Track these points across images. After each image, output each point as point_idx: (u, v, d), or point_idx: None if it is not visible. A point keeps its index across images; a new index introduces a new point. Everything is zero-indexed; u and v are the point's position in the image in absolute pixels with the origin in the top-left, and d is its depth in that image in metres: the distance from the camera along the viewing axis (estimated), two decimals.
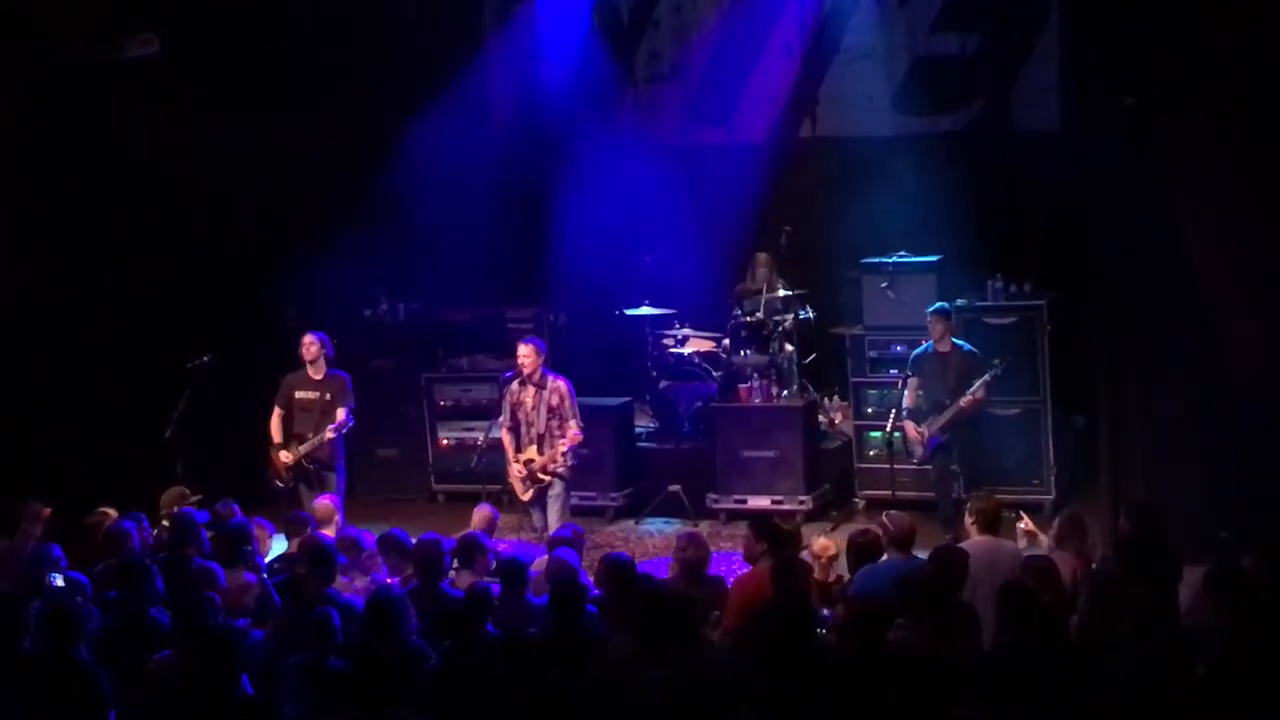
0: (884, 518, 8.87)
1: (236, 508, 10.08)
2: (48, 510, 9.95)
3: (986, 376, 11.20)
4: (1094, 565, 8.54)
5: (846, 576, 8.74)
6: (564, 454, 11.05)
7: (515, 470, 11.18)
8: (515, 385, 11.23)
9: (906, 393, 11.51)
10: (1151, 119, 10.04)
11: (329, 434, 11.40)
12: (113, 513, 9.74)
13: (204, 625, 7.41)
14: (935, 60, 13.73)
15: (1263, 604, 7.17)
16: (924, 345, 11.51)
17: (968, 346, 11.49)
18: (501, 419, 11.36)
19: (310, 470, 11.55)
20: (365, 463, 13.37)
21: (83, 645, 7.40)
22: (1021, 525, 9.34)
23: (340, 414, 11.53)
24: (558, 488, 11.17)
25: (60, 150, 12.31)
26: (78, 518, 9.88)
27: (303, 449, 11.47)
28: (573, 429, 11.05)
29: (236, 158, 12.98)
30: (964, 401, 11.19)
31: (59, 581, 8.46)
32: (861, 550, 8.50)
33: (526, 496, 11.20)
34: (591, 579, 8.75)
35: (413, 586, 8.53)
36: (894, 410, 11.57)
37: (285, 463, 11.53)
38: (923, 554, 8.56)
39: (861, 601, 7.40)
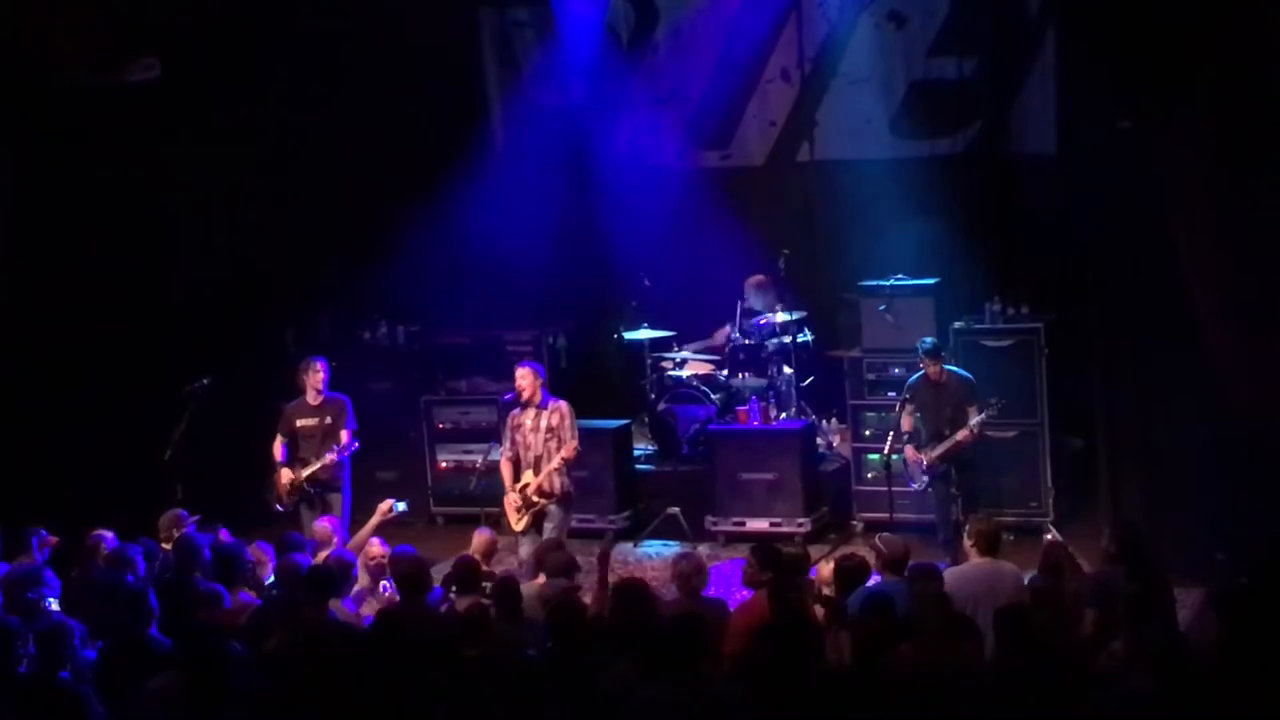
0: (877, 540, 8.89)
1: (225, 532, 10.07)
2: (54, 539, 9.95)
3: (982, 416, 11.17)
4: (1095, 578, 8.54)
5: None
6: (557, 469, 10.92)
7: (511, 500, 11.02)
8: (516, 410, 11.14)
9: (904, 417, 11.51)
10: (1148, 142, 10.06)
11: (330, 457, 11.39)
12: (109, 535, 9.74)
13: (209, 647, 7.41)
14: (933, 84, 13.74)
15: (1266, 619, 7.16)
16: (919, 372, 11.51)
17: (962, 373, 11.49)
18: (503, 447, 11.25)
19: (311, 493, 11.56)
20: (364, 485, 13.29)
21: (77, 670, 7.40)
22: None
23: (344, 436, 11.54)
24: (554, 516, 11.00)
25: (58, 175, 12.34)
26: (78, 541, 9.88)
27: (305, 472, 11.47)
28: (569, 446, 10.98)
29: (237, 182, 13.05)
30: (961, 435, 11.16)
31: (54, 606, 8.46)
32: (848, 574, 8.46)
33: (520, 526, 10.99)
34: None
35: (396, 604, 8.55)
36: (892, 433, 11.59)
37: (286, 484, 11.53)
38: None
39: (862, 623, 7.40)
